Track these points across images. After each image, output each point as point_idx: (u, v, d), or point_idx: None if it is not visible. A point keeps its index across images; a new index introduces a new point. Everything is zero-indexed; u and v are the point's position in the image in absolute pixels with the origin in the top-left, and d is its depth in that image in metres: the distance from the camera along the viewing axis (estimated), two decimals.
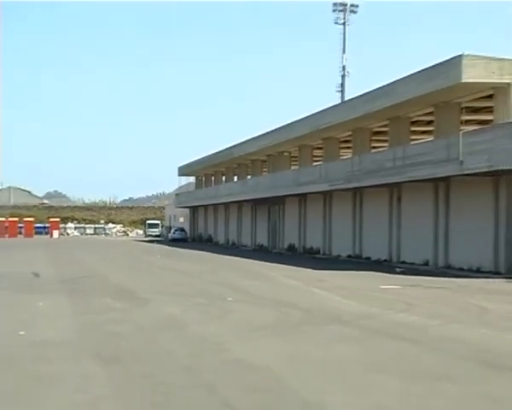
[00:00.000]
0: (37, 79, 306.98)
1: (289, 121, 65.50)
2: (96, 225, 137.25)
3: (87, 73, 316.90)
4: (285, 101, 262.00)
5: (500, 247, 37.94)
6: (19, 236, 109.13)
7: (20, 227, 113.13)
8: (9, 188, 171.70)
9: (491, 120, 42.54)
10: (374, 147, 56.89)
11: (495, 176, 38.06)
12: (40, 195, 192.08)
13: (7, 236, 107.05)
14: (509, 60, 38.50)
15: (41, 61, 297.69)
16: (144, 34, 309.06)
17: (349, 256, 55.07)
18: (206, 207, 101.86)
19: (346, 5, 74.66)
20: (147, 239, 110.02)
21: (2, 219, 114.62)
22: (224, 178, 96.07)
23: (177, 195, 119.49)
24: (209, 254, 61.85)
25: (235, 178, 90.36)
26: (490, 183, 39.01)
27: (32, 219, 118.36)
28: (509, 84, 38.41)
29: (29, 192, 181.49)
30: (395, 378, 11.46)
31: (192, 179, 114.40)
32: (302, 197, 65.75)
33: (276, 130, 69.01)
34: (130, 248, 73.78)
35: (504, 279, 33.37)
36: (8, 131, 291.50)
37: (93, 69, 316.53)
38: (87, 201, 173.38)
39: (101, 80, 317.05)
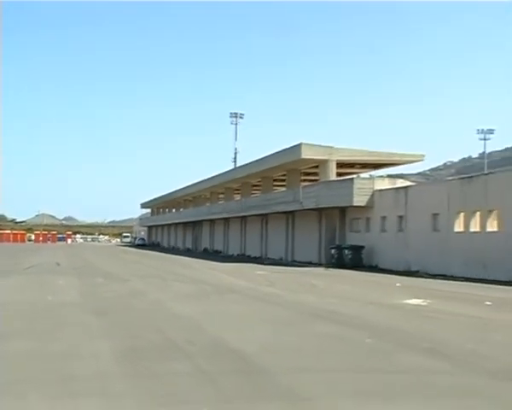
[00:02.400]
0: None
1: (205, 177, 65.38)
2: (93, 236, 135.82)
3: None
4: (204, 165, 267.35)
5: (322, 250, 38.53)
6: (48, 242, 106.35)
7: (48, 237, 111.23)
8: (42, 214, 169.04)
9: (317, 179, 43.35)
10: (253, 193, 57.26)
11: (319, 210, 38.78)
12: (60, 218, 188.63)
13: (41, 242, 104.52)
14: (327, 146, 39.34)
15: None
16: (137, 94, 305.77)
17: (238, 254, 54.90)
18: (156, 226, 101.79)
19: (237, 114, 76.04)
20: (122, 244, 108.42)
21: (38, 232, 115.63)
22: (167, 210, 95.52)
23: (140, 219, 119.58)
24: (158, 253, 60.80)
25: (174, 210, 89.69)
26: (316, 214, 39.68)
27: (55, 232, 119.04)
28: (326, 160, 39.26)
29: (54, 216, 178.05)
30: (265, 323, 11.50)
31: (149, 210, 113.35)
32: (212, 221, 65.53)
33: (196, 183, 68.68)
34: (113, 250, 72.17)
35: (324, 268, 33.88)
36: (42, 177, 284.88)
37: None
38: (88, 221, 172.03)
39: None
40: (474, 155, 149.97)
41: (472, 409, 5.90)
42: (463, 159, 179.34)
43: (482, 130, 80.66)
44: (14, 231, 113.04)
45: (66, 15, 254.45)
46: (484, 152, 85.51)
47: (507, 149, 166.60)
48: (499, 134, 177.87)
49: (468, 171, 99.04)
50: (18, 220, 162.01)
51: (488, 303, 15.66)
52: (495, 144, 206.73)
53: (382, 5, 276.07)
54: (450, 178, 40.93)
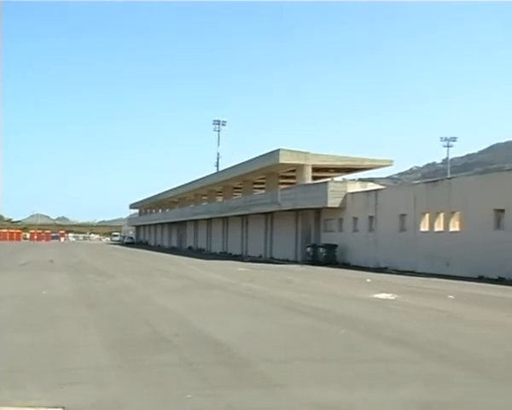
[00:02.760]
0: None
1: (189, 180, 65.11)
2: (85, 235, 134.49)
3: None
4: (189, 168, 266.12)
5: (298, 248, 38.63)
6: (42, 240, 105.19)
7: (43, 236, 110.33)
8: (37, 214, 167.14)
9: (294, 182, 43.41)
10: (234, 195, 57.16)
11: (296, 212, 38.88)
12: (54, 217, 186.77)
13: (35, 241, 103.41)
14: (303, 152, 39.46)
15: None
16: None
17: (220, 252, 54.79)
18: (144, 225, 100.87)
19: (219, 121, 75.52)
20: (112, 243, 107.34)
21: (33, 231, 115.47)
22: (154, 210, 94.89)
23: (129, 219, 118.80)
24: (146, 251, 60.40)
25: (160, 211, 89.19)
26: (293, 215, 39.81)
27: (49, 231, 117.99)
28: (303, 164, 39.38)
29: (48, 216, 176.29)
30: (245, 316, 11.53)
31: (137, 211, 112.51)
32: (196, 221, 65.19)
33: (181, 185, 68.46)
34: (103, 248, 71.53)
35: (299, 265, 33.96)
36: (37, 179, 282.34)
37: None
38: (80, 221, 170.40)
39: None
40: (438, 161, 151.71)
41: (434, 393, 5.98)
42: (428, 164, 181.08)
43: (445, 138, 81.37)
44: (11, 230, 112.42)
45: (65, 22, 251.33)
46: (447, 158, 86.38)
47: (468, 156, 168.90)
48: (461, 142, 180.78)
49: (432, 175, 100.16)
50: (14, 220, 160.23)
51: (451, 297, 15.87)
52: (457, 151, 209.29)
53: (359, 14, 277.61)
54: (417, 181, 41.39)
